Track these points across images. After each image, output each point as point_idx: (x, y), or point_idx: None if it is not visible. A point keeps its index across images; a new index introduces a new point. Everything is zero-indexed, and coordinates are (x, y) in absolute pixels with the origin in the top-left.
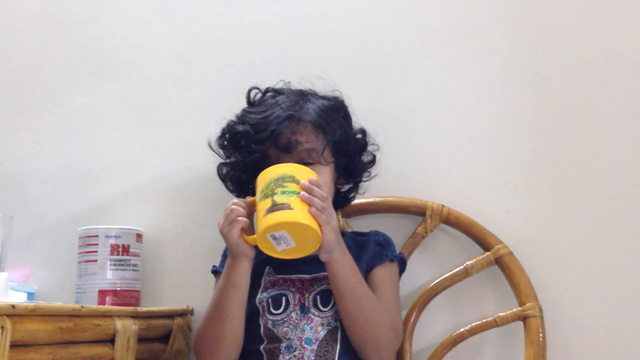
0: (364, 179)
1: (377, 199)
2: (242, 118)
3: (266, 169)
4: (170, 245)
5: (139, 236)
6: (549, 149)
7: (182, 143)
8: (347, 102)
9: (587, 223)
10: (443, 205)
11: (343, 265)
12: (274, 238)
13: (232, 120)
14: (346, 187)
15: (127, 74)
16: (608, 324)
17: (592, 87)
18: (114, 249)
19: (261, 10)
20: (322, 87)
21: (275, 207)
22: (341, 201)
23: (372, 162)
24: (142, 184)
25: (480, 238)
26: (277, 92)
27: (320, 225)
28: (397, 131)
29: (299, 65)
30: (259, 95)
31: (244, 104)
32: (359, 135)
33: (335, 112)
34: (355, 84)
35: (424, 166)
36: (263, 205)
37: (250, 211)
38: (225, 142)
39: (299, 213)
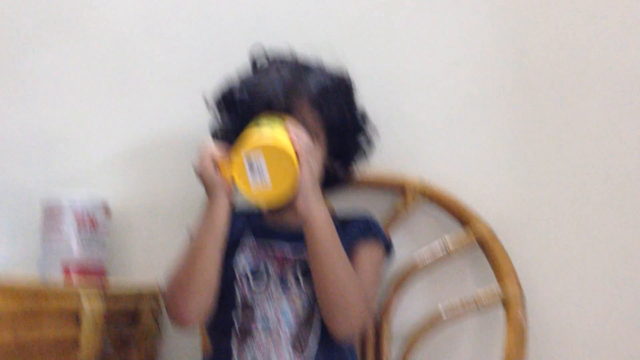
0: (357, 163)
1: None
2: (241, 81)
3: None
4: (139, 219)
5: (106, 208)
6: (534, 126)
7: (156, 111)
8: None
9: (570, 204)
10: (423, 181)
11: (321, 222)
12: (250, 166)
13: (230, 81)
14: (336, 169)
15: (97, 35)
16: (590, 309)
17: (580, 64)
18: (80, 221)
19: None
20: (330, 58)
21: (258, 132)
22: (329, 182)
23: (368, 148)
24: (111, 153)
25: (460, 215)
26: (282, 59)
27: (299, 161)
28: (377, 103)
29: (278, 32)
30: (264, 57)
31: (223, 72)
32: (358, 118)
33: (337, 91)
34: (334, 51)
35: (403, 139)
36: (247, 134)
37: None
38: (221, 102)
39: (281, 140)
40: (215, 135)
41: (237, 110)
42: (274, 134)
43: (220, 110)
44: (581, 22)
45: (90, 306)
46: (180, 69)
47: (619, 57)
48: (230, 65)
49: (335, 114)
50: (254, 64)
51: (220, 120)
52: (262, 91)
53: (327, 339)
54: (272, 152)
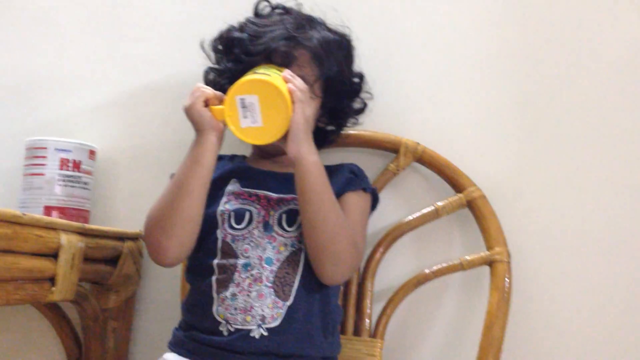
0: (348, 124)
1: (349, 132)
2: (242, 26)
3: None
4: (125, 166)
5: (92, 153)
6: (530, 94)
7: (146, 59)
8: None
9: (562, 172)
10: (418, 143)
11: (312, 165)
12: (243, 106)
13: (231, 26)
14: (327, 128)
15: None
16: (574, 274)
17: (580, 29)
18: (64, 164)
19: None
20: (333, 21)
21: (253, 72)
22: (320, 140)
23: (362, 110)
24: (99, 98)
25: (453, 179)
26: (286, 10)
27: (293, 102)
28: (375, 65)
29: None
30: (268, 8)
31: (221, 23)
32: (355, 79)
33: (338, 48)
34: (335, 12)
35: (400, 101)
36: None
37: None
38: (219, 46)
39: (276, 79)
40: (208, 80)
41: (234, 51)
42: (269, 74)
43: (217, 51)
44: None
45: (69, 242)
46: (177, 17)
47: (618, 25)
48: (229, 16)
49: (334, 70)
50: (256, 10)
51: (215, 62)
52: (262, 33)
53: (311, 284)
54: (265, 88)
